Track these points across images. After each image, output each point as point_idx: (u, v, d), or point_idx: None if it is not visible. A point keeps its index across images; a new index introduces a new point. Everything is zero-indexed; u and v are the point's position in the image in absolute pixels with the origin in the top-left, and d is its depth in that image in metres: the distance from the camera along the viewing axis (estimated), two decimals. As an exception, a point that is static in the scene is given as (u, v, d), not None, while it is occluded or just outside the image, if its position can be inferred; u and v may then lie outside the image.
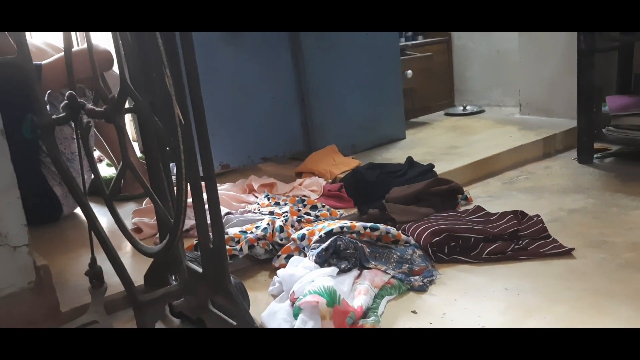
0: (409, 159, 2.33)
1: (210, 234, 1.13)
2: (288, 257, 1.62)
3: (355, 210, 1.98)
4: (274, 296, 1.48)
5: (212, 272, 1.16)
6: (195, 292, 1.20)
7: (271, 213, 1.89)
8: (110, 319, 1.38)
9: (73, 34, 2.25)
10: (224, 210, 1.91)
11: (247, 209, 2.00)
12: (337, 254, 1.54)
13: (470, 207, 1.98)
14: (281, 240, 1.71)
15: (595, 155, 2.43)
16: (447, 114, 3.46)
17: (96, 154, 2.74)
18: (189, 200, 1.07)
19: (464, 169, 2.33)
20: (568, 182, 2.20)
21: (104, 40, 2.59)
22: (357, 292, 1.41)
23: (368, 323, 1.29)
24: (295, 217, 1.82)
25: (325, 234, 1.59)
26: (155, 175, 1.23)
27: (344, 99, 2.66)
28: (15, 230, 1.31)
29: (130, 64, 1.13)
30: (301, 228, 1.75)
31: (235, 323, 1.15)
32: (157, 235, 1.46)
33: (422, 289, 1.46)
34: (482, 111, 3.39)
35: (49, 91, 1.90)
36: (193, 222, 1.46)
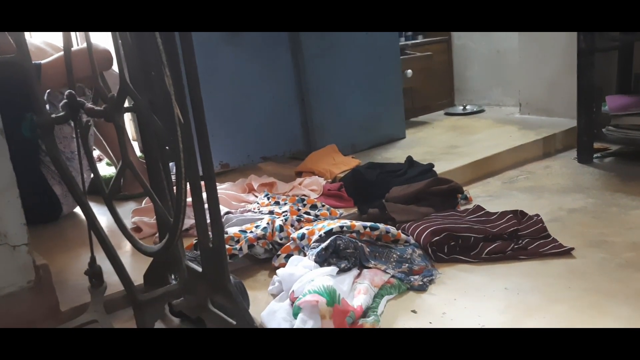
0: (409, 159, 2.33)
1: (209, 233, 1.13)
2: (288, 257, 1.62)
3: (355, 210, 1.98)
4: (274, 295, 1.48)
5: (211, 272, 1.16)
6: (195, 291, 1.20)
7: (271, 212, 1.89)
8: (110, 318, 1.38)
9: (73, 33, 2.25)
10: (223, 209, 1.91)
11: (247, 208, 2.00)
12: (337, 253, 1.54)
13: (470, 206, 1.98)
14: (281, 239, 1.71)
15: (595, 155, 2.43)
16: (447, 114, 3.46)
17: (96, 153, 2.74)
18: (189, 199, 1.07)
19: (464, 168, 2.33)
20: (568, 182, 2.20)
21: (103, 39, 2.59)
22: (357, 291, 1.41)
23: (368, 322, 1.29)
24: (295, 217, 1.82)
25: (325, 233, 1.59)
26: (155, 174, 1.23)
27: (343, 99, 2.66)
28: (14, 230, 1.31)
29: (130, 63, 1.13)
30: (301, 227, 1.75)
31: (234, 322, 1.14)
32: (157, 234, 1.46)
33: (421, 289, 1.46)
34: (482, 111, 3.39)
35: (48, 90, 1.89)
36: (193, 221, 1.46)
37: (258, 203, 2.04)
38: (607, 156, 2.46)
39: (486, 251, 1.60)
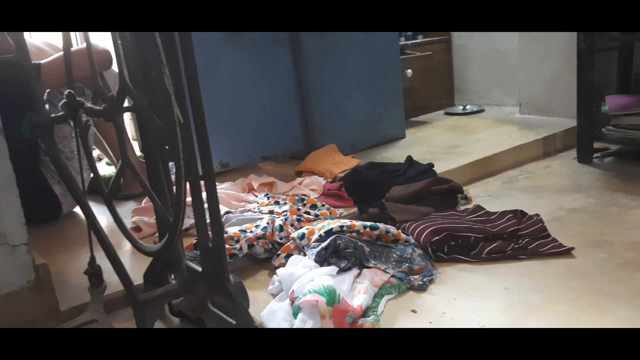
0: (409, 158, 2.33)
1: (209, 232, 1.13)
2: (288, 256, 1.62)
3: (355, 210, 1.98)
4: (274, 295, 1.48)
5: (211, 271, 1.16)
6: (195, 291, 1.20)
7: (271, 212, 1.89)
8: (110, 317, 1.38)
9: (72, 33, 2.24)
10: (223, 209, 1.91)
11: (247, 208, 2.00)
12: (337, 253, 1.53)
13: (470, 206, 1.97)
14: (281, 239, 1.71)
15: (595, 155, 2.43)
16: (447, 113, 3.45)
17: (95, 152, 2.74)
18: (188, 199, 1.07)
19: (464, 168, 2.33)
20: (568, 182, 2.20)
21: (103, 39, 2.59)
22: (357, 291, 1.41)
23: (368, 322, 1.29)
24: (295, 216, 1.82)
25: (325, 233, 1.59)
26: (155, 174, 1.23)
27: (344, 98, 2.66)
28: (14, 229, 1.31)
29: (130, 63, 1.13)
30: (301, 227, 1.74)
31: (234, 322, 1.14)
32: (157, 234, 1.46)
33: (421, 288, 1.46)
34: (482, 110, 3.39)
35: (48, 90, 1.89)
36: (192, 221, 1.46)
37: (258, 203, 2.04)
38: (607, 156, 2.46)
39: (486, 251, 1.60)
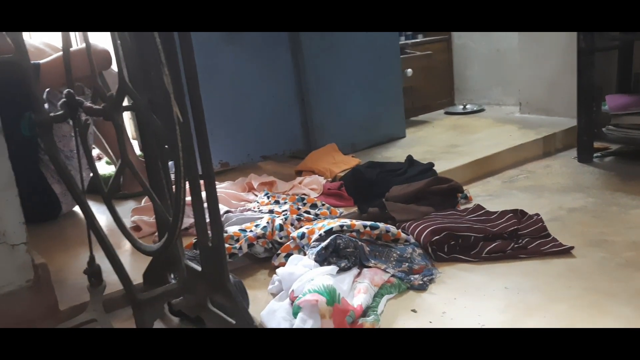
0: (409, 158, 2.33)
1: (209, 232, 1.13)
2: (288, 256, 1.62)
3: (355, 209, 1.98)
4: (274, 295, 1.48)
5: (211, 271, 1.15)
6: (194, 290, 1.20)
7: (271, 211, 1.89)
8: (109, 317, 1.38)
9: (72, 33, 2.24)
10: (223, 208, 1.91)
11: (247, 207, 2.00)
12: (337, 252, 1.53)
13: (470, 205, 1.97)
14: (281, 238, 1.71)
15: (595, 154, 2.43)
16: (447, 113, 3.45)
17: (95, 152, 2.74)
18: (188, 198, 1.07)
19: (464, 167, 2.32)
20: (568, 181, 2.20)
21: (102, 39, 2.59)
22: (357, 290, 1.41)
23: (368, 322, 1.29)
24: (295, 216, 1.82)
25: (325, 232, 1.59)
26: (154, 173, 1.23)
27: (344, 98, 2.66)
28: (13, 228, 1.31)
29: (129, 62, 1.12)
30: (301, 226, 1.74)
31: (234, 322, 1.14)
32: (156, 233, 1.46)
33: (421, 288, 1.46)
34: (482, 110, 3.38)
35: (47, 89, 1.89)
36: (192, 220, 1.46)
37: (258, 202, 2.04)
38: (607, 155, 2.46)
39: (486, 250, 1.60)
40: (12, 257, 1.31)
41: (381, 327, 1.30)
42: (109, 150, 2.44)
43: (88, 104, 1.11)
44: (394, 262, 1.54)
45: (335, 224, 1.62)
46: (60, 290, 1.44)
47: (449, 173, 2.21)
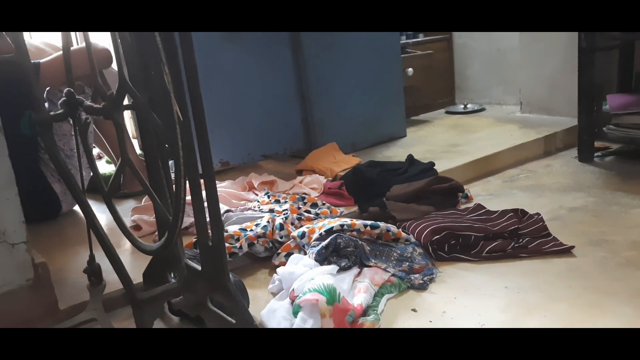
0: (410, 157, 2.32)
1: (209, 231, 1.13)
2: (288, 255, 1.62)
3: (355, 208, 1.98)
4: (274, 294, 1.48)
5: (211, 270, 1.15)
6: (194, 289, 1.20)
7: (271, 211, 1.89)
8: (109, 316, 1.38)
9: (72, 33, 2.25)
10: (223, 207, 1.91)
11: (247, 206, 2.00)
12: (337, 251, 1.53)
13: (471, 205, 1.97)
14: (281, 238, 1.70)
15: (595, 154, 2.42)
16: (447, 112, 3.45)
17: (95, 151, 2.74)
18: (188, 197, 1.07)
19: (465, 167, 2.32)
20: (568, 181, 2.19)
21: (102, 38, 2.59)
22: (357, 290, 1.40)
23: (368, 321, 1.29)
24: (295, 215, 1.81)
25: (325, 231, 1.59)
26: (155, 172, 1.23)
27: (344, 97, 2.66)
28: (13, 228, 1.31)
29: (129, 61, 1.12)
30: (301, 226, 1.74)
31: (234, 321, 1.14)
32: (156, 232, 1.46)
33: (422, 287, 1.46)
34: (482, 109, 3.38)
35: (47, 88, 1.89)
36: (192, 219, 1.46)
37: (258, 201, 2.04)
38: (608, 155, 2.46)
39: (486, 250, 1.60)
40: (12, 256, 1.31)
41: (381, 326, 1.30)
42: (109, 149, 2.44)
43: (88, 102, 1.11)
44: (395, 262, 1.54)
45: (335, 223, 1.62)
46: (60, 289, 1.44)
47: (450, 172, 2.20)
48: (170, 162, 1.29)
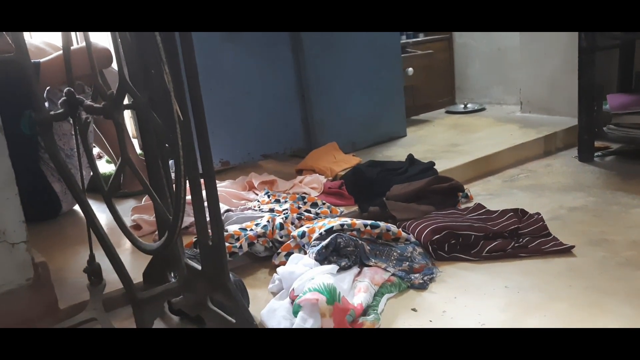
0: (410, 157, 2.32)
1: (209, 231, 1.13)
2: (288, 255, 1.62)
3: (355, 208, 1.98)
4: (274, 294, 1.48)
5: (211, 270, 1.15)
6: (194, 289, 1.20)
7: (271, 210, 1.89)
8: (109, 316, 1.38)
9: (72, 32, 2.25)
10: (223, 207, 1.91)
11: (247, 206, 2.00)
12: (337, 251, 1.53)
13: (471, 205, 1.97)
14: (281, 237, 1.70)
15: (596, 154, 2.42)
16: (448, 112, 3.45)
17: (95, 150, 2.73)
18: (188, 197, 1.07)
19: (465, 166, 2.32)
20: (569, 180, 2.19)
21: (102, 37, 2.59)
22: (357, 289, 1.40)
23: (368, 321, 1.29)
24: (295, 215, 1.81)
25: (325, 231, 1.59)
26: (155, 172, 1.23)
27: (344, 97, 2.66)
28: (13, 227, 1.31)
29: (129, 61, 1.12)
30: (301, 225, 1.74)
31: (234, 320, 1.14)
32: (156, 232, 1.46)
33: (422, 287, 1.46)
34: (483, 109, 3.38)
35: (47, 88, 1.89)
36: (192, 219, 1.46)
37: (258, 201, 2.04)
38: (608, 155, 2.46)
39: (487, 249, 1.60)
40: (12, 256, 1.31)
41: (381, 326, 1.30)
42: (109, 149, 2.44)
43: (88, 102, 1.11)
44: (395, 261, 1.54)
45: (335, 222, 1.62)
46: (60, 288, 1.44)
47: (450, 172, 2.20)
48: (171, 162, 1.29)
